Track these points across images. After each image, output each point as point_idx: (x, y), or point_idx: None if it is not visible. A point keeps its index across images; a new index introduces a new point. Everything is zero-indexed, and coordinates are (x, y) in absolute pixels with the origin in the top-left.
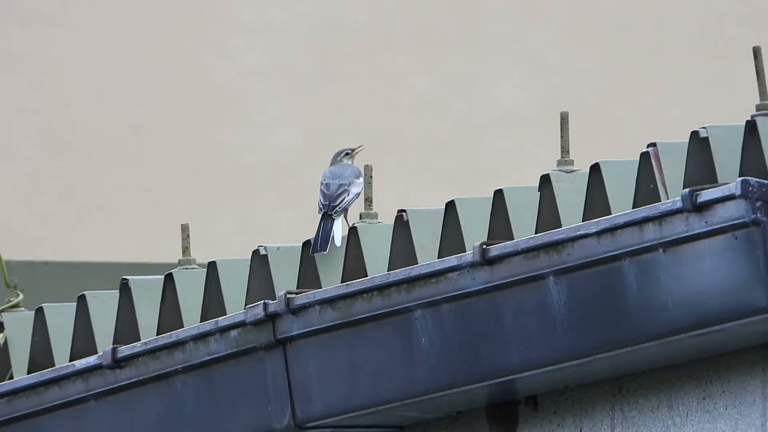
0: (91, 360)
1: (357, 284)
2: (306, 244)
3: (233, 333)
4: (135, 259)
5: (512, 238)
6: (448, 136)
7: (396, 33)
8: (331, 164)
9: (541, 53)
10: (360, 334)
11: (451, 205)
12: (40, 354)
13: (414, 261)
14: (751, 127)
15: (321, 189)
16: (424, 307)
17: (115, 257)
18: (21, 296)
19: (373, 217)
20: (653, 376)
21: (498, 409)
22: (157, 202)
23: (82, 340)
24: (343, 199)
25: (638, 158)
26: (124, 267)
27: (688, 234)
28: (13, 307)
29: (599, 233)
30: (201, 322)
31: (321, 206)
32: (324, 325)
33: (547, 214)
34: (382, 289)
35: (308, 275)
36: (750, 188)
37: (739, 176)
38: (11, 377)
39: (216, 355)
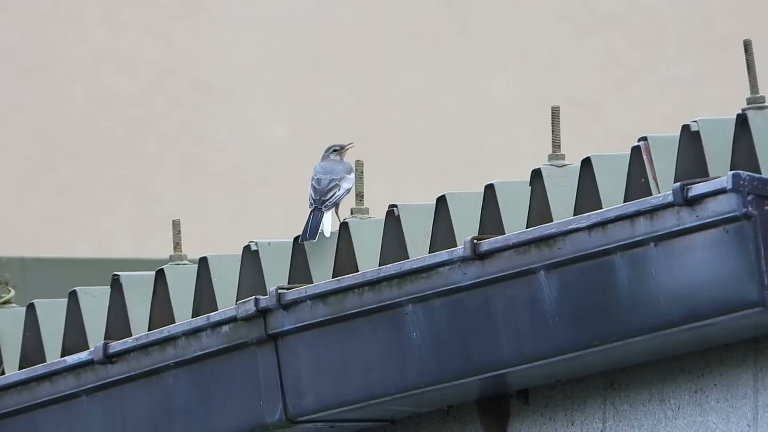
0: (82, 356)
1: (348, 279)
2: (297, 239)
3: (225, 328)
4: (126, 255)
5: (503, 233)
6: (439, 131)
7: (387, 28)
8: (322, 160)
9: (532, 48)
10: (351, 329)
11: (442, 200)
12: (32, 350)
13: (405, 256)
14: (742, 120)
15: (312, 184)
16: (415, 301)
17: (106, 253)
18: (12, 292)
19: (364, 212)
20: (645, 369)
21: (489, 403)
22: (148, 198)
23: (74, 336)
24: (334, 194)
25: (629, 152)
26: (115, 263)
27: (679, 228)
28: (4, 303)
29: (590, 227)
30: (192, 317)
31: (312, 201)
32: (315, 320)
33: (539, 208)
34: (373, 284)
35: (299, 270)
36: (741, 182)
37: (730, 170)
38: (2, 373)
39: (207, 351)
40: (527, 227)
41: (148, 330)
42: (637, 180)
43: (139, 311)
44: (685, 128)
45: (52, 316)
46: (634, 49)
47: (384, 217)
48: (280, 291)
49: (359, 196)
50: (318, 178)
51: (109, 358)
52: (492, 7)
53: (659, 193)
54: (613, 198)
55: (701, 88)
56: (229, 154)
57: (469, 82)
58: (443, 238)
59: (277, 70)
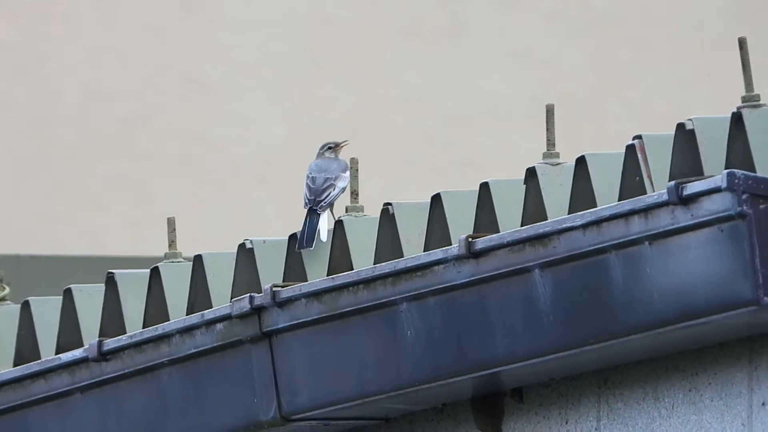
0: (77, 353)
1: (343, 277)
2: (292, 238)
3: (219, 326)
4: (121, 253)
5: (498, 231)
6: (434, 129)
7: (383, 27)
8: (317, 157)
9: (527, 47)
10: (346, 327)
11: (436, 199)
12: (26, 347)
13: (400, 254)
14: (737, 119)
15: (307, 183)
16: (409, 300)
17: (101, 251)
18: (7, 290)
19: (359, 211)
20: (639, 368)
21: (484, 402)
22: (143, 195)
23: (68, 334)
24: (329, 193)
25: (624, 151)
26: (110, 260)
27: (674, 227)
28: None
29: (585, 226)
30: (187, 315)
31: (307, 201)
32: (310, 318)
33: (533, 207)
34: (367, 282)
35: (294, 268)
36: (736, 180)
37: (725, 168)
38: None
39: (202, 348)
40: (522, 226)
41: (143, 327)
42: (632, 178)
43: (133, 309)
44: (680, 127)
45: (46, 314)
46: (629, 48)
47: (379, 216)
48: (274, 289)
49: (354, 194)
50: (313, 177)
51: (103, 356)
52: (488, 6)
53: (654, 191)
54: (607, 196)
55: (696, 87)
56: (226, 153)
57: (464, 80)
58: (438, 237)
59: (275, 69)
